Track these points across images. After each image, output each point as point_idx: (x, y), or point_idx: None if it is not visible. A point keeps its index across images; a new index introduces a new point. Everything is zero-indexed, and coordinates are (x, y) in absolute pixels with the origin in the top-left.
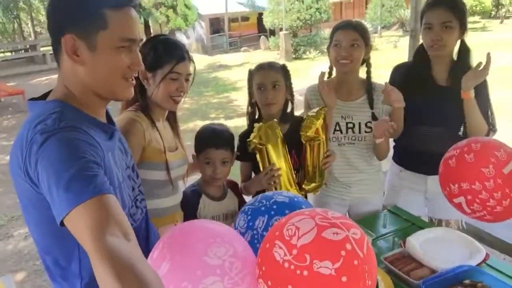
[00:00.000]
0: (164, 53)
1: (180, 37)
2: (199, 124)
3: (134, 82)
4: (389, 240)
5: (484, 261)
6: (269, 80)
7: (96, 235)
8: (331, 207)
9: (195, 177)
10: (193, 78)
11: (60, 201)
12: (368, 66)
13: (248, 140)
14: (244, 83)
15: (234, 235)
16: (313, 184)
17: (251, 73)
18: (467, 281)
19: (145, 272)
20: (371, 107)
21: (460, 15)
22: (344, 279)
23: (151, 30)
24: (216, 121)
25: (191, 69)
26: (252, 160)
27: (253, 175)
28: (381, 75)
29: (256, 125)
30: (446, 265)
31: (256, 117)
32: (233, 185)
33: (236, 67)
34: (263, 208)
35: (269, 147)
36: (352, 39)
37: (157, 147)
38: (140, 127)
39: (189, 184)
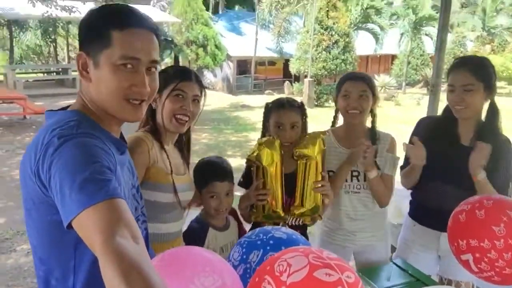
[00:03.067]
0: (172, 73)
1: (208, 75)
2: None
3: (141, 104)
4: None
5: None
6: (288, 121)
7: (106, 236)
8: (336, 253)
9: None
10: (203, 105)
11: (72, 202)
12: (374, 116)
13: (248, 156)
14: None
15: (226, 267)
16: (303, 209)
17: (269, 108)
18: None
19: (152, 275)
20: (375, 156)
21: (484, 77)
22: None
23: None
24: (232, 159)
25: (198, 91)
26: None
27: None
28: (401, 129)
29: (258, 140)
30: None
31: None
32: (232, 212)
33: (258, 108)
34: (259, 242)
35: (265, 165)
36: (361, 90)
37: (162, 168)
38: (145, 146)
39: (189, 217)
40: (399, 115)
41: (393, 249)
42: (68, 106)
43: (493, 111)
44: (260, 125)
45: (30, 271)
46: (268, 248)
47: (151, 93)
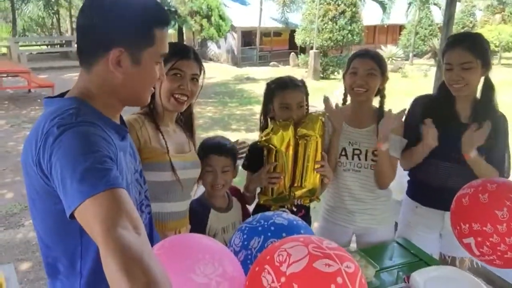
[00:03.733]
0: (170, 52)
1: (212, 46)
2: (220, 134)
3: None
4: (393, 274)
5: None
6: (295, 101)
7: (107, 227)
8: (336, 233)
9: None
10: (202, 83)
11: (73, 192)
12: (382, 96)
13: (262, 137)
14: None
15: (226, 254)
16: (303, 190)
17: (271, 89)
18: None
19: (153, 266)
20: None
21: (481, 54)
22: None
23: (184, 37)
24: (237, 133)
25: (197, 70)
26: (257, 170)
27: None
28: (407, 102)
29: (272, 123)
30: None
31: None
32: (236, 193)
33: (263, 81)
34: (260, 228)
35: (278, 147)
36: (368, 67)
37: (157, 148)
38: (133, 129)
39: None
40: (406, 87)
41: (397, 225)
42: (66, 92)
43: (489, 87)
44: None
45: (38, 245)
46: (269, 234)
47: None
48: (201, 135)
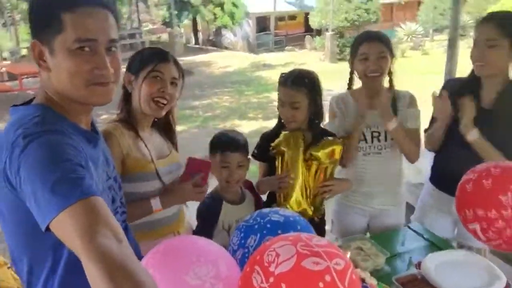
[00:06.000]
0: (148, 55)
1: (227, 34)
2: (237, 123)
3: (108, 86)
4: (405, 259)
5: None
6: (288, 100)
7: (87, 237)
8: (352, 216)
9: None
10: (182, 86)
11: (46, 204)
12: (390, 74)
13: (271, 144)
14: None
15: (221, 254)
16: (300, 208)
17: (278, 82)
18: None
19: (139, 272)
20: (395, 114)
21: (510, 32)
22: None
23: (198, 27)
24: (254, 122)
25: (176, 73)
26: (269, 161)
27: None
28: (429, 80)
29: (284, 133)
30: None
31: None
32: (249, 185)
33: (280, 66)
34: (256, 226)
35: (289, 155)
36: (379, 51)
37: (140, 158)
38: (115, 140)
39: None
40: (427, 65)
41: (412, 208)
42: (31, 100)
43: None
44: None
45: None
46: (264, 232)
47: (116, 74)
48: (219, 125)
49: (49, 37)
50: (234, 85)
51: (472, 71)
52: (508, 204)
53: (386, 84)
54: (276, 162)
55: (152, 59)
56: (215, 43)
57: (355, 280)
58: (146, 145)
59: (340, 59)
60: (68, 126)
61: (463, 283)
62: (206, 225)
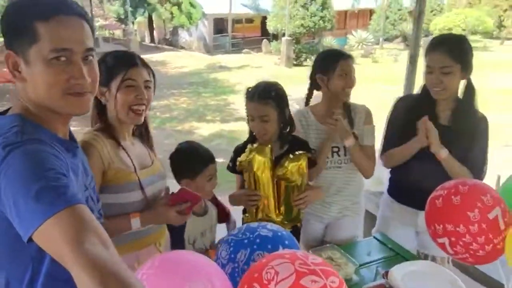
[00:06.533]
0: (114, 63)
1: (183, 34)
2: (195, 125)
3: (85, 96)
4: (372, 270)
5: None
6: (257, 114)
7: (75, 246)
8: (310, 223)
9: None
10: (155, 85)
11: (30, 214)
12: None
13: (238, 160)
14: (242, 87)
15: (214, 269)
16: (282, 218)
17: (246, 95)
18: None
19: (129, 278)
20: (352, 128)
21: (461, 57)
22: None
23: (154, 26)
24: (212, 124)
25: (147, 76)
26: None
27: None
28: (379, 88)
29: (249, 147)
30: None
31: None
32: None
33: (236, 69)
34: (246, 241)
35: (255, 171)
36: (352, 68)
37: (122, 168)
38: (95, 151)
39: None
40: (377, 73)
41: (372, 216)
42: (7, 110)
43: (470, 89)
44: (238, 87)
45: None
46: (255, 247)
47: (93, 83)
48: (177, 127)
49: (24, 47)
50: (191, 86)
51: (423, 91)
52: (475, 220)
53: None
54: (244, 177)
55: (120, 67)
56: (171, 42)
57: None
58: (128, 155)
59: (295, 65)
60: (47, 136)
61: None
62: (174, 238)
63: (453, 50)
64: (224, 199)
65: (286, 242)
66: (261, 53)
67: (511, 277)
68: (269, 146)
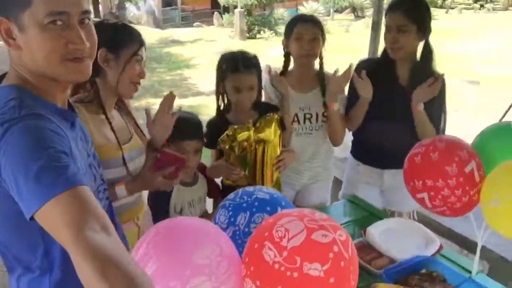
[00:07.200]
0: (128, 34)
1: (131, 8)
2: (152, 101)
3: (84, 61)
4: (350, 229)
5: (438, 251)
6: (245, 84)
7: (75, 231)
8: (283, 189)
9: None
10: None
11: (30, 195)
12: (321, 58)
13: (219, 139)
14: (198, 61)
15: (219, 233)
16: None
17: (222, 69)
18: (423, 271)
19: (131, 267)
20: (323, 96)
21: (417, 18)
22: (331, 280)
23: (99, 0)
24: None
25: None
26: (219, 147)
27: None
28: (333, 58)
29: (230, 128)
30: (404, 254)
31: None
32: (203, 168)
33: (189, 43)
34: (244, 205)
35: (237, 152)
36: (313, 33)
37: (105, 144)
38: None
39: None
40: (331, 44)
41: (338, 181)
42: (1, 78)
43: (428, 51)
44: (194, 61)
45: None
46: (254, 210)
47: (92, 48)
48: (135, 103)
49: (16, 12)
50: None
51: (384, 52)
52: (453, 174)
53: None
54: (226, 155)
55: (134, 41)
56: (118, 16)
57: (354, 249)
58: (113, 130)
59: (249, 37)
60: (45, 107)
61: (404, 247)
62: (156, 209)
63: (409, 11)
64: None
65: (283, 203)
66: (213, 26)
67: (482, 226)
68: (250, 123)
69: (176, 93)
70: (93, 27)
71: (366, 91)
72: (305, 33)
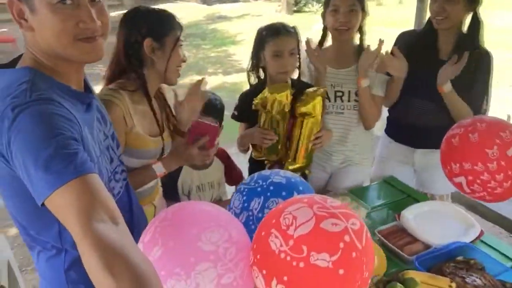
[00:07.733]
0: (169, 20)
1: None
2: (196, 79)
3: (97, 41)
4: (384, 212)
5: (478, 237)
6: (287, 48)
7: (83, 222)
8: (312, 172)
9: None
10: None
11: (40, 182)
12: (362, 33)
13: (254, 99)
14: (244, 37)
15: (229, 218)
16: (295, 166)
17: (262, 36)
18: (460, 258)
19: (137, 260)
20: None
21: None
22: (341, 271)
23: None
24: (214, 77)
25: None
26: (249, 121)
27: None
28: (384, 33)
29: (268, 87)
30: (440, 240)
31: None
32: (222, 154)
33: (236, 18)
34: (259, 189)
35: (274, 114)
36: (350, 4)
37: (144, 133)
38: (120, 112)
39: None
40: (381, 16)
41: None
42: (18, 58)
43: (475, 22)
44: (239, 37)
45: None
46: (268, 194)
47: (104, 26)
48: (178, 81)
49: None
50: (188, 39)
51: (427, 24)
52: (494, 157)
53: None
54: (258, 116)
55: (175, 27)
56: None
57: (369, 238)
58: (156, 118)
59: (295, 11)
60: (58, 89)
61: (441, 232)
62: (168, 187)
63: None
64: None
65: (300, 188)
66: (260, 0)
67: None
68: (289, 87)
69: (220, 70)
70: (104, 6)
71: (399, 69)
72: (341, 4)
